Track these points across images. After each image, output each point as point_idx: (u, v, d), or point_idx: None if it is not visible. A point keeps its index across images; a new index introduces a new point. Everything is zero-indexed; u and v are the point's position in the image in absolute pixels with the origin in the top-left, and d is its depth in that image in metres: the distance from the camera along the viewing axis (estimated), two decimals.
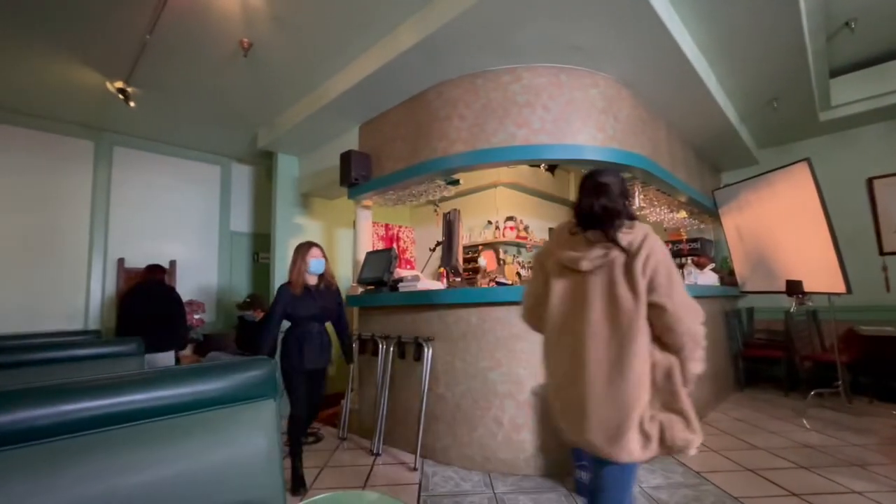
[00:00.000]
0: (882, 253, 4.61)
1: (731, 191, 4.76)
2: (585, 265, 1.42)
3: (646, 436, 1.31)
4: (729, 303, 5.02)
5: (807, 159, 3.81)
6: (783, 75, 3.70)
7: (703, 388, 3.79)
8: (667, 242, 5.65)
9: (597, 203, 1.43)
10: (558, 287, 1.49)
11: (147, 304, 3.37)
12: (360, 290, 3.62)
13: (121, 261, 4.42)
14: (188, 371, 1.09)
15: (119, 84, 3.54)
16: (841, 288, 3.51)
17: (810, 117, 4.53)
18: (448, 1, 2.62)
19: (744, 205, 4.58)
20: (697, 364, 1.36)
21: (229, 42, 3.09)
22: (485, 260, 4.59)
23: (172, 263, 4.69)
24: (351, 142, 4.06)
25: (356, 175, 3.66)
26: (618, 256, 1.38)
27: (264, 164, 5.33)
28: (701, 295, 4.12)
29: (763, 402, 4.22)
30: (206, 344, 4.31)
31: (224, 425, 1.06)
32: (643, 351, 1.32)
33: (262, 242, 5.39)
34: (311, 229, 4.96)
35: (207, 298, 4.91)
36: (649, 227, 1.43)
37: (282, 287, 2.67)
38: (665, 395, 1.35)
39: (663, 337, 1.35)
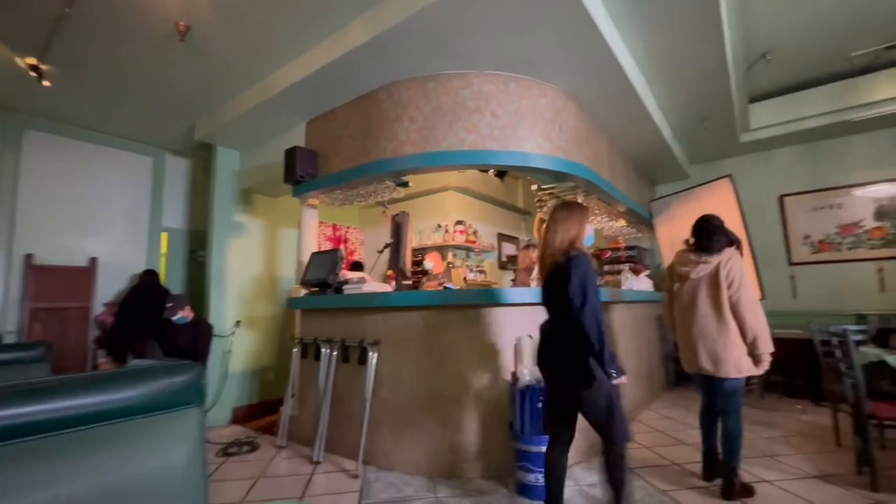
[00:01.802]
0: (791, 263, 5.12)
1: (664, 202, 5.09)
2: (694, 274, 2.52)
3: (736, 366, 2.36)
4: (661, 307, 5.35)
5: (729, 175, 4.16)
6: (710, 98, 4.01)
7: (638, 388, 4.01)
8: (606, 250, 5.95)
9: (706, 238, 2.50)
10: (681, 287, 2.60)
11: (140, 306, 3.41)
12: (303, 291, 3.50)
13: (28, 257, 3.98)
14: (99, 378, 1.00)
15: (31, 60, 3.20)
16: (756, 294, 3.86)
17: (732, 138, 4.96)
18: (400, 1, 2.61)
19: (675, 216, 4.92)
20: (762, 346, 2.33)
21: (164, 24, 2.89)
22: (431, 263, 4.60)
23: (93, 261, 4.30)
24: (297, 138, 3.93)
25: (302, 172, 3.55)
26: (713, 269, 2.45)
27: (202, 158, 5.03)
28: (636, 300, 4.37)
29: (690, 399, 4.53)
30: (129, 348, 3.97)
31: (140, 437, 0.97)
32: (732, 324, 2.37)
33: (198, 240, 5.07)
34: (252, 227, 4.75)
35: None
36: (733, 251, 2.45)
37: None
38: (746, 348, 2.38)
39: (740, 326, 2.36)
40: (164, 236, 4.90)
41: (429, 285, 3.40)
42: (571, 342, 1.89)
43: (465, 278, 5.01)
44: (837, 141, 4.95)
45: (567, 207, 2.11)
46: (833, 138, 4.95)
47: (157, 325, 3.65)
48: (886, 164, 4.71)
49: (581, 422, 2.00)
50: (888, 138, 4.72)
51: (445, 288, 3.33)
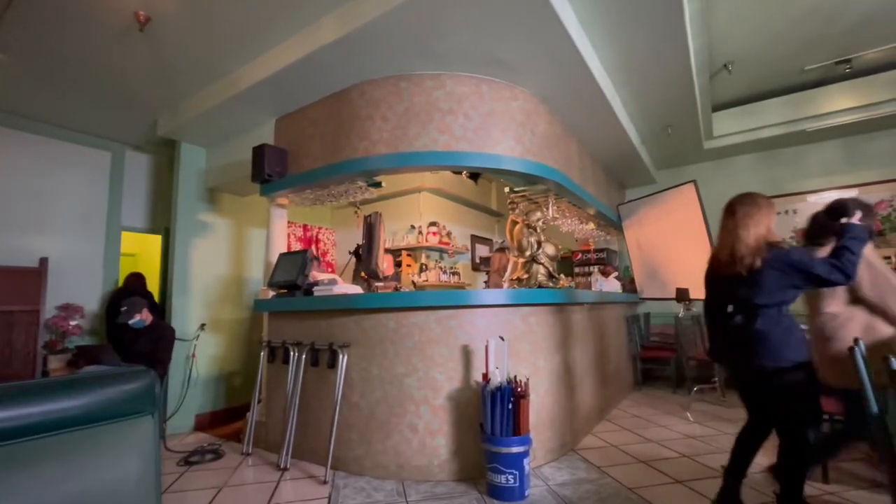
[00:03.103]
0: None
1: (632, 206, 5.23)
2: None
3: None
4: (630, 308, 5.49)
5: (693, 181, 4.32)
6: (675, 105, 4.15)
7: (607, 387, 4.10)
8: (576, 252, 6.07)
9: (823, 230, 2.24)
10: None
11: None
12: (272, 293, 3.42)
13: None
14: (45, 386, 0.94)
15: None
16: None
17: (696, 144, 5.15)
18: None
19: (643, 219, 5.06)
20: None
21: (122, 12, 2.76)
22: (384, 263, 4.59)
23: (43, 261, 4.06)
24: (266, 136, 3.84)
25: (270, 171, 3.47)
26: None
27: (165, 154, 4.84)
28: (605, 301, 4.47)
29: (656, 398, 4.67)
30: (82, 355, 3.78)
31: (88, 448, 0.92)
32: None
33: (163, 240, 4.88)
34: (218, 227, 4.60)
35: (90, 302, 4.32)
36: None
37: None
38: None
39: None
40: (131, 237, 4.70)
41: (379, 286, 3.40)
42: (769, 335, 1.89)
43: (413, 281, 5.02)
44: (793, 150, 5.22)
45: (751, 202, 2.01)
46: (789, 147, 5.21)
47: (113, 331, 3.50)
48: (837, 171, 4.99)
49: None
50: (839, 148, 5.00)
51: (396, 290, 3.33)
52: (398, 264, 5.44)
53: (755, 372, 1.97)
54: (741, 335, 1.98)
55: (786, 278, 1.89)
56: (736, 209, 2.05)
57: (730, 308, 2.02)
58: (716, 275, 2.09)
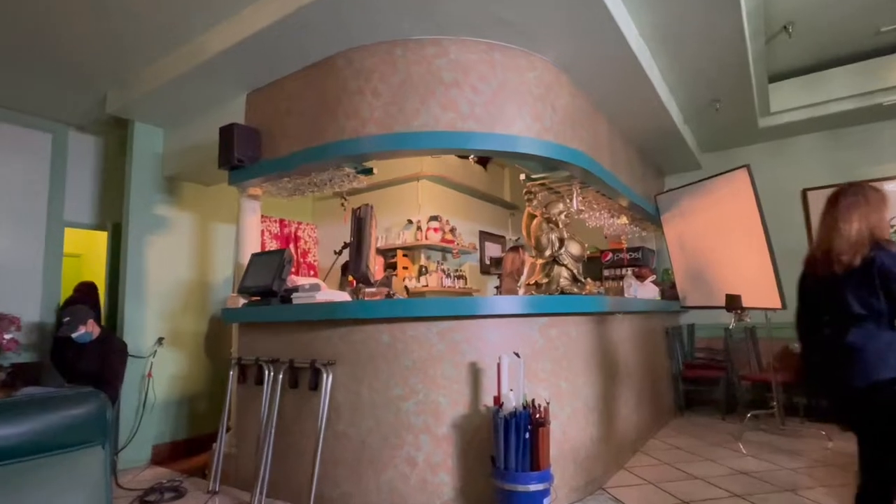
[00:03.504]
0: None
1: (673, 196, 5.22)
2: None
3: None
4: (670, 318, 5.48)
5: (746, 166, 4.30)
6: (724, 75, 4.14)
7: (643, 413, 4.09)
8: (606, 252, 6.06)
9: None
10: None
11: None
12: (242, 301, 3.43)
13: None
14: None
15: None
16: (777, 303, 3.99)
17: (750, 122, 5.13)
18: None
19: (686, 212, 5.05)
20: None
21: None
22: (376, 265, 4.61)
23: None
24: (235, 114, 3.85)
25: (240, 155, 3.49)
26: None
27: (116, 136, 4.86)
28: (641, 310, 4.46)
29: (702, 426, 4.65)
30: (19, 374, 3.80)
31: (27, 485, 0.92)
32: None
33: (111, 238, 4.90)
34: (179, 222, 4.62)
35: (28, 312, 4.34)
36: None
37: None
38: None
39: None
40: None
41: (368, 293, 3.41)
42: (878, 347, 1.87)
43: (406, 287, 5.04)
44: (866, 128, 5.18)
45: (859, 191, 2.01)
46: (861, 124, 5.18)
47: (55, 346, 3.53)
48: None
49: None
50: None
51: (388, 296, 3.34)
52: (392, 266, 5.45)
53: (847, 396, 1.95)
54: (831, 351, 1.97)
55: (891, 284, 1.87)
56: (839, 199, 2.05)
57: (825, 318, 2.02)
58: (811, 278, 2.08)
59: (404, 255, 5.51)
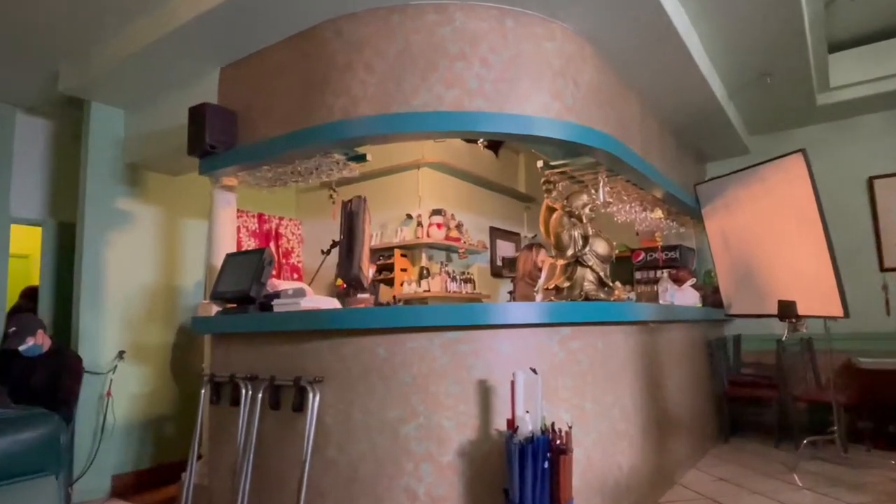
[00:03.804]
0: (883, 269, 5.29)
1: (716, 185, 5.21)
2: None
3: None
4: (713, 329, 5.47)
5: (802, 150, 4.28)
6: (776, 44, 4.12)
7: (681, 438, 4.08)
8: (637, 251, 6.05)
9: None
10: None
11: None
12: (215, 309, 3.45)
13: None
14: None
15: None
16: (837, 310, 3.97)
17: (806, 99, 5.11)
18: None
19: (731, 203, 5.03)
20: None
21: None
22: (369, 267, 4.65)
23: None
24: (207, 92, 3.88)
25: (213, 140, 3.51)
26: None
27: (70, 118, 4.90)
28: (678, 319, 4.45)
29: (751, 454, 4.64)
30: None
31: None
32: None
33: (64, 237, 4.93)
34: (142, 218, 4.66)
35: None
36: None
37: None
38: None
39: None
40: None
41: (355, 300, 3.42)
42: None
43: (394, 297, 5.06)
44: None
45: None
46: None
47: (1, 361, 3.55)
48: None
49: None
50: None
51: (377, 304, 3.35)
52: (387, 268, 5.47)
53: None
54: None
55: None
56: None
57: None
58: None
59: (402, 256, 5.53)
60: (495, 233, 6.53)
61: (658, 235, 5.82)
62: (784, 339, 4.70)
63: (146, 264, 4.69)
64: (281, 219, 6.00)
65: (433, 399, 2.74)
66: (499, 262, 6.49)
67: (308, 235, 6.12)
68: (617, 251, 3.88)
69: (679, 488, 3.76)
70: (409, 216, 5.51)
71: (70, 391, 3.54)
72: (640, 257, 6.10)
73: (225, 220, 3.92)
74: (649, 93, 4.44)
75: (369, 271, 4.21)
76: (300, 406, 2.94)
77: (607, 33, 3.51)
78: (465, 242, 5.68)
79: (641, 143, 4.30)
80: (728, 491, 3.70)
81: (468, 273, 5.84)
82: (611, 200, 4.40)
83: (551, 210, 3.60)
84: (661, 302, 4.75)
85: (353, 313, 2.99)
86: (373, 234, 5.43)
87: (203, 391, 3.40)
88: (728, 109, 4.99)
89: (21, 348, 3.46)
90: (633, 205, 4.80)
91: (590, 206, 3.52)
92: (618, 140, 3.69)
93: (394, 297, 5.15)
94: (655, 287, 5.31)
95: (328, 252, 3.92)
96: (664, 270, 5.69)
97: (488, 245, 6.31)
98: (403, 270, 5.45)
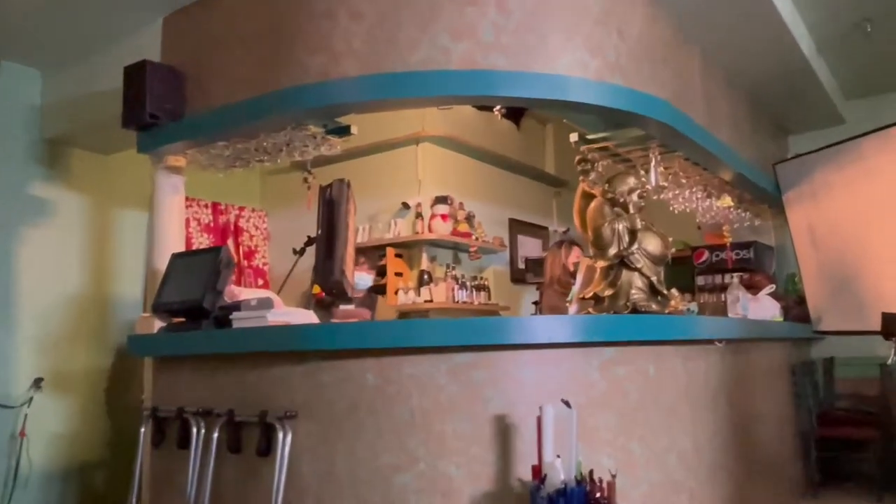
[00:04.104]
0: None
1: (801, 165, 5.18)
2: None
3: None
4: (797, 350, 5.44)
5: None
6: None
7: (754, 491, 4.06)
8: (700, 250, 6.01)
9: None
10: None
11: None
12: (158, 324, 3.46)
13: None
14: None
15: None
16: None
17: None
18: None
19: (821, 188, 5.01)
20: None
21: None
22: (369, 276, 4.66)
23: None
24: (147, 47, 3.90)
25: (155, 109, 3.52)
26: None
27: None
28: (752, 337, 4.43)
29: None
30: None
31: None
32: None
33: None
34: (65, 208, 4.69)
35: None
36: None
37: None
38: None
39: None
40: None
41: (338, 313, 3.43)
42: None
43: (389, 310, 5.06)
44: None
45: None
46: None
47: None
48: None
49: None
50: None
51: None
52: (379, 272, 5.46)
53: None
54: None
55: None
56: None
57: None
58: None
59: (397, 256, 5.53)
60: (516, 226, 6.53)
61: (726, 229, 5.80)
62: (890, 362, 4.68)
63: (70, 268, 4.71)
64: (242, 209, 6.01)
65: (438, 441, 2.74)
66: (521, 264, 6.49)
67: (276, 230, 6.13)
68: (673, 250, 3.87)
69: None
70: (406, 205, 5.51)
71: None
72: (704, 257, 6.07)
73: (170, 211, 3.92)
74: (716, 47, 4.42)
75: (367, 277, 4.23)
76: (267, 449, 2.95)
77: None
78: (477, 239, 5.67)
79: (705, 110, 4.28)
80: None
81: (481, 278, 5.83)
82: (665, 184, 4.39)
83: (588, 197, 3.59)
84: (730, 315, 4.73)
85: (335, 330, 2.99)
86: (359, 229, 5.43)
87: (143, 430, 3.41)
88: (817, 67, 4.97)
89: None
90: (694, 190, 4.79)
91: (638, 191, 3.51)
92: (675, 107, 3.67)
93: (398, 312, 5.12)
94: (723, 296, 5.28)
95: (302, 251, 3.92)
96: (734, 274, 5.67)
97: (507, 242, 6.30)
98: (398, 275, 5.44)
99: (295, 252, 3.98)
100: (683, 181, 4.60)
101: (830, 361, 5.79)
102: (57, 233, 4.64)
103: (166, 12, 3.87)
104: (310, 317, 3.33)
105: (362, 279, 4.60)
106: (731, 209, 5.35)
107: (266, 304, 3.21)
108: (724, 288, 5.51)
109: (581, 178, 3.76)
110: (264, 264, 6.06)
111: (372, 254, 5.61)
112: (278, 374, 3.02)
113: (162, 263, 3.68)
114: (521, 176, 6.70)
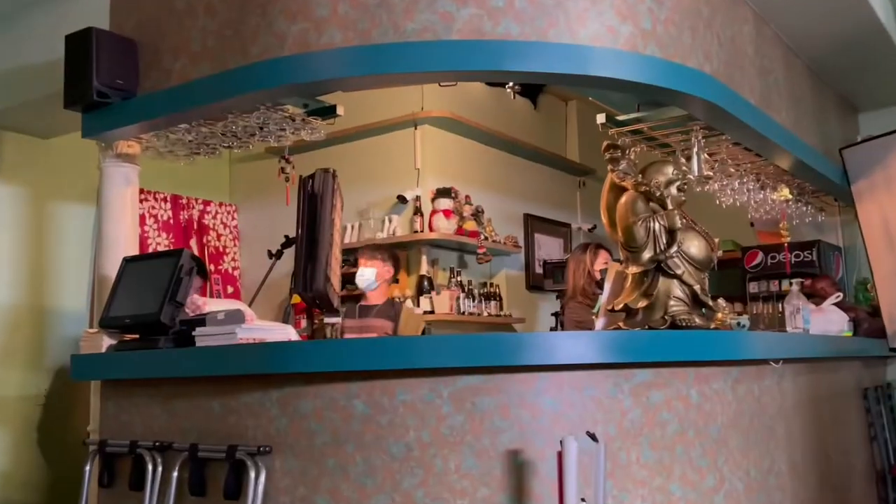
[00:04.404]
0: None
1: (874, 150, 5.19)
2: None
3: None
4: (870, 371, 5.44)
5: None
6: None
7: None
8: (752, 251, 6.02)
9: None
10: None
11: None
12: (107, 342, 3.49)
13: None
14: None
15: None
16: None
17: None
18: None
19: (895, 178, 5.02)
20: None
21: None
22: (372, 271, 4.60)
23: None
24: (93, 12, 3.93)
25: (104, 84, 3.53)
26: None
27: None
28: (816, 356, 4.44)
29: None
30: None
31: None
32: None
33: None
34: None
35: None
36: None
37: None
38: None
39: None
40: None
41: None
42: None
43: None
44: None
45: None
46: None
47: None
48: None
49: None
50: None
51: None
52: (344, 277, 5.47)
53: None
54: None
55: None
56: None
57: None
58: None
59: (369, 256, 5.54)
60: (533, 223, 6.53)
61: (784, 227, 5.80)
62: None
63: (1, 274, 4.73)
64: (207, 203, 6.02)
65: (439, 480, 2.76)
66: (538, 269, 6.50)
67: (248, 228, 6.14)
68: (720, 252, 3.88)
69: None
70: (403, 199, 5.51)
71: None
72: (757, 260, 6.08)
73: (122, 207, 3.93)
74: (773, 9, 4.43)
75: (370, 272, 4.21)
76: (236, 491, 2.96)
77: None
78: (486, 238, 5.68)
79: (759, 87, 4.29)
80: None
81: (491, 285, 5.84)
82: (711, 174, 4.40)
83: (618, 190, 3.60)
84: (788, 329, 4.73)
85: (317, 348, 3.00)
86: (347, 227, 5.45)
87: (87, 468, 3.43)
88: (893, 32, 4.98)
89: None
90: (745, 180, 4.80)
91: (678, 183, 3.53)
92: (722, 83, 3.69)
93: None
94: (780, 306, 5.30)
95: (279, 254, 3.93)
96: (794, 281, 5.68)
97: (522, 242, 6.30)
98: (394, 282, 5.46)
99: (271, 255, 3.99)
100: (732, 170, 4.61)
101: None
102: None
103: None
104: (288, 333, 3.34)
105: (367, 277, 4.58)
106: (790, 202, 5.35)
107: (236, 317, 3.22)
108: (781, 297, 5.52)
109: (610, 167, 3.77)
110: (234, 269, 6.06)
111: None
112: (250, 401, 3.03)
113: (112, 269, 3.70)
114: (538, 164, 6.69)
